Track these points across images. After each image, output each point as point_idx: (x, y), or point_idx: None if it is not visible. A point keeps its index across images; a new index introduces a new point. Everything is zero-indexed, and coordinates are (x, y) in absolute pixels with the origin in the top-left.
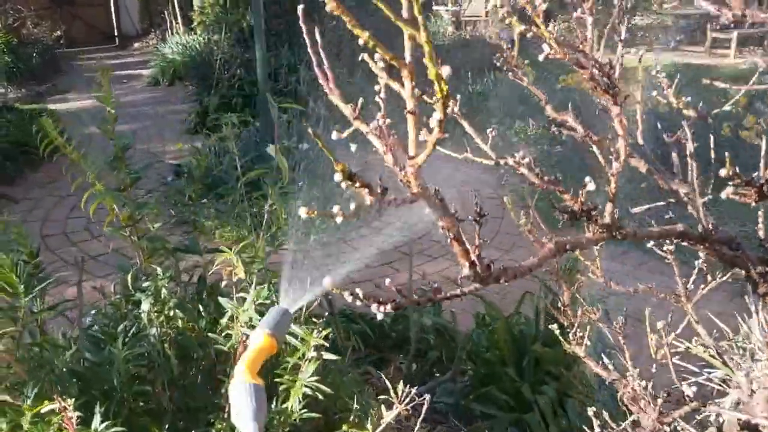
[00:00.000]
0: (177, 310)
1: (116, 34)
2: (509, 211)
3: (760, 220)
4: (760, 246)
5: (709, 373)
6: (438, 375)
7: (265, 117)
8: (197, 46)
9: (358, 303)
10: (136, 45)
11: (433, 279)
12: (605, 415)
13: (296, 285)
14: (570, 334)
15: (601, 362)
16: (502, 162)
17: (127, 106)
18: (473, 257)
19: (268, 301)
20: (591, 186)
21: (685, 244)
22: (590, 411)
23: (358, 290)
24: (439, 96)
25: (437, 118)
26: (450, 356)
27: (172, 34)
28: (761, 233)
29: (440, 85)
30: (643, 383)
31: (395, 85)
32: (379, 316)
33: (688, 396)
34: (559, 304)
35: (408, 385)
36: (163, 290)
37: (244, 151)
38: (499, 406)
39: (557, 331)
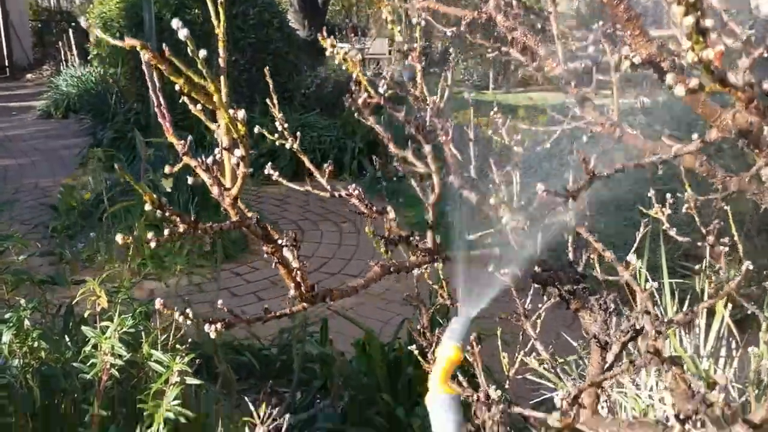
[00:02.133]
0: (41, 341)
1: (7, 64)
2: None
3: (569, 243)
4: (569, 266)
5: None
6: (318, 401)
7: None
8: (92, 79)
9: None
10: (28, 76)
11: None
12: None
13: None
14: (428, 354)
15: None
16: (336, 194)
17: (16, 139)
18: (298, 280)
19: (132, 330)
20: (392, 214)
21: None
22: None
23: (188, 311)
24: (237, 136)
25: (238, 155)
26: (333, 384)
27: (67, 65)
28: (570, 255)
29: (235, 127)
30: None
31: (213, 126)
32: (212, 335)
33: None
34: (419, 327)
35: (288, 413)
36: (26, 321)
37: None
38: (377, 430)
39: (416, 352)
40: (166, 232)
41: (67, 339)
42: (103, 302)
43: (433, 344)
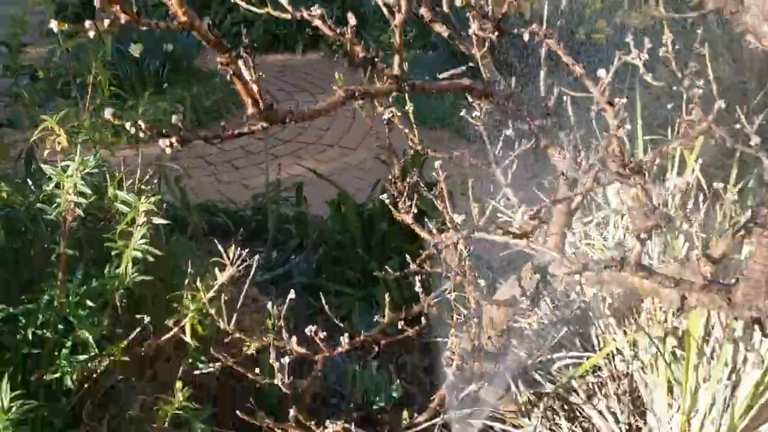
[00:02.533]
0: (2, 184)
1: None
2: None
3: (541, 79)
4: (541, 102)
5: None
6: (294, 258)
7: None
8: None
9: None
10: None
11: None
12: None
13: None
14: (399, 204)
15: (426, 227)
16: (298, 15)
17: None
18: (256, 96)
19: (96, 170)
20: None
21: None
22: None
23: (140, 123)
24: None
25: None
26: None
27: None
28: (542, 90)
29: None
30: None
31: None
32: (168, 151)
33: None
34: (390, 177)
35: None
36: None
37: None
38: (350, 284)
39: (387, 201)
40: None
41: (30, 183)
42: (63, 141)
43: (404, 194)
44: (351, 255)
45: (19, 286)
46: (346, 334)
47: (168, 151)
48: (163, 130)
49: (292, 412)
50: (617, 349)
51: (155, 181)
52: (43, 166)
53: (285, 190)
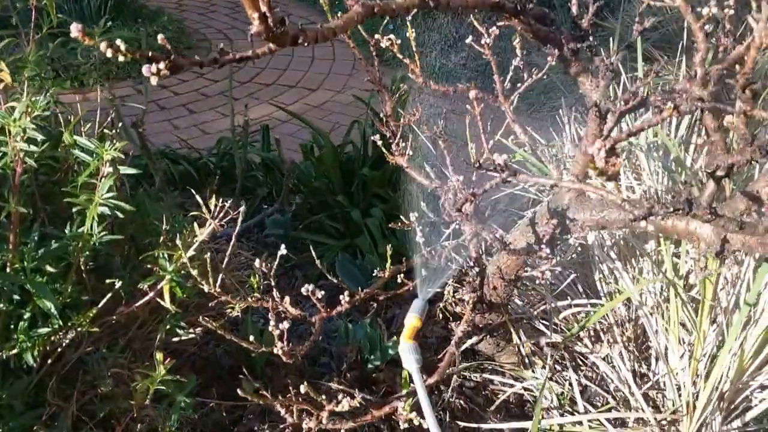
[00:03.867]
0: None
1: None
2: None
3: None
4: (573, 24)
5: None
6: (266, 207)
7: None
8: None
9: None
10: None
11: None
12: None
13: None
14: (392, 145)
15: (423, 171)
16: None
17: None
18: (263, 8)
19: (47, 113)
20: None
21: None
22: (412, 216)
23: (119, 43)
24: None
25: None
26: (280, 191)
27: None
28: (573, 9)
29: None
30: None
31: None
32: (153, 81)
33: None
34: (381, 115)
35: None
36: None
37: None
38: (329, 234)
39: (380, 142)
40: None
41: None
42: (5, 77)
43: (398, 134)
44: (329, 203)
45: None
46: (346, 292)
47: (154, 80)
48: (149, 53)
49: (302, 388)
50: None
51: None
52: None
53: (249, 134)
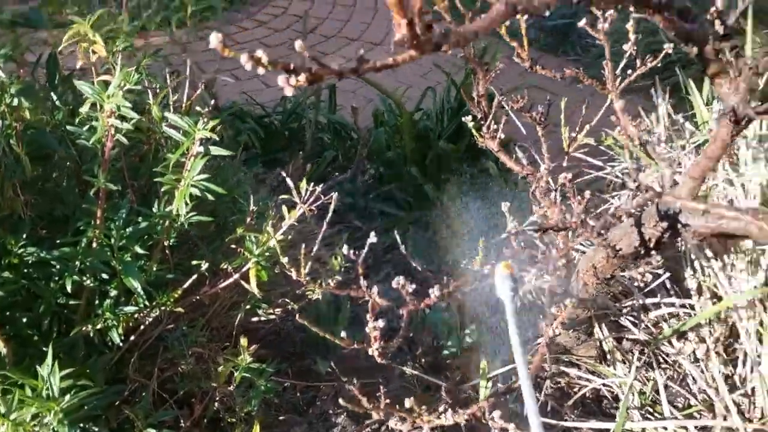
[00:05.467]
0: (22, 98)
1: None
2: None
3: None
4: (716, 20)
5: (612, 167)
6: (337, 175)
7: None
8: None
9: (261, 72)
10: None
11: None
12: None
13: None
14: (483, 127)
15: (514, 156)
16: None
17: None
18: (412, 13)
19: (138, 87)
20: None
21: (639, 15)
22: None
23: (261, 53)
24: None
25: None
26: (347, 156)
27: None
28: (719, 3)
29: None
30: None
31: None
32: (288, 92)
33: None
34: (474, 95)
35: (312, 183)
36: None
37: None
38: (400, 206)
39: (471, 124)
40: None
41: (54, 97)
42: (100, 50)
43: (489, 116)
44: (402, 174)
45: (50, 226)
46: (437, 286)
47: (289, 92)
48: (291, 65)
49: (407, 402)
50: (715, 293)
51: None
52: (77, 82)
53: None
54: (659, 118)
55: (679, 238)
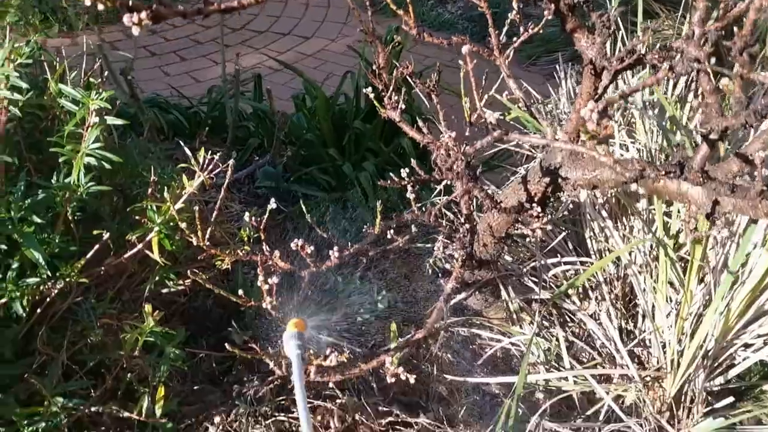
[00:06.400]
0: None
1: None
2: None
3: None
4: None
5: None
6: (257, 159)
7: None
8: None
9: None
10: None
11: (251, 71)
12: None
13: None
14: (385, 98)
15: (415, 126)
16: None
17: None
18: None
19: (30, 60)
20: None
21: None
22: (403, 172)
23: None
24: None
25: None
26: (272, 142)
27: None
28: None
29: None
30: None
31: None
32: (135, 31)
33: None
34: (374, 67)
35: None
36: None
37: None
38: (321, 187)
39: (371, 95)
40: None
41: None
42: None
43: (390, 87)
44: (321, 155)
45: None
46: (335, 248)
47: (136, 30)
48: (129, 2)
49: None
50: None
51: (99, 74)
52: None
53: (241, 83)
54: (562, 90)
55: (561, 192)
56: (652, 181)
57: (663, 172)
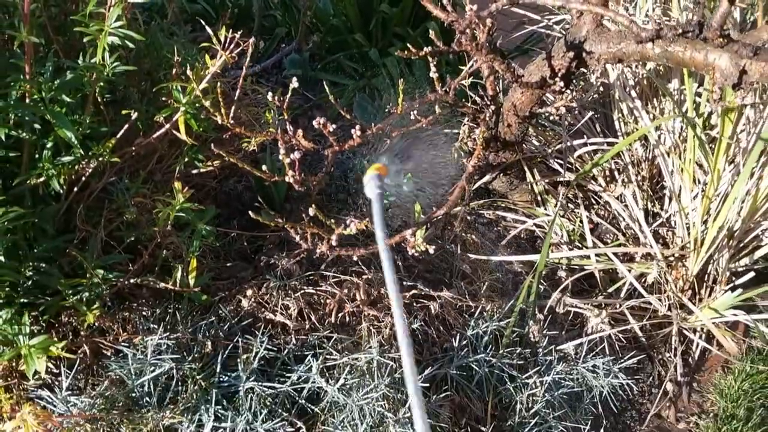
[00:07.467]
0: None
1: None
2: None
3: None
4: None
5: (549, 20)
6: (283, 46)
7: None
8: None
9: None
10: None
11: None
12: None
13: None
14: None
15: (440, 4)
16: None
17: None
18: None
19: None
20: None
21: None
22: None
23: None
24: None
25: None
26: (298, 31)
27: None
28: None
29: None
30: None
31: None
32: None
33: None
34: None
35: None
36: None
37: None
38: (347, 74)
39: None
40: None
41: None
42: None
43: None
44: (348, 42)
45: None
46: (358, 126)
47: None
48: None
49: (311, 211)
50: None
51: None
52: None
53: None
54: None
55: (585, 68)
56: (677, 47)
57: (680, 31)
